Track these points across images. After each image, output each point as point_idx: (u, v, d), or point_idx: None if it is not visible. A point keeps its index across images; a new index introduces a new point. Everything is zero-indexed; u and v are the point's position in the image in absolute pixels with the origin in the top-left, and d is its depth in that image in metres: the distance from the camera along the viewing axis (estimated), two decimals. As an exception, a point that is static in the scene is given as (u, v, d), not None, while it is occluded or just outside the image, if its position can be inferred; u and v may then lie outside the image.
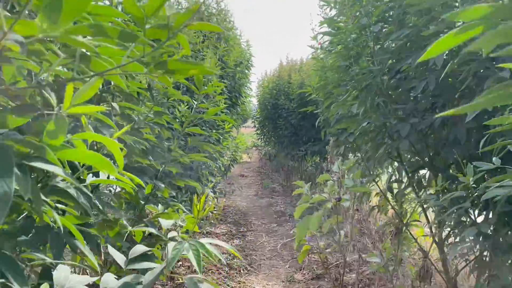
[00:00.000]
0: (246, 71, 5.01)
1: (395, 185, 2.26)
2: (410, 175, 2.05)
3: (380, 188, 2.28)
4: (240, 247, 4.22)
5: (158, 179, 1.46)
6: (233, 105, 4.69)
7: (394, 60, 1.86)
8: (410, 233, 2.26)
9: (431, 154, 1.82)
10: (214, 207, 4.65)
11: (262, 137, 8.67)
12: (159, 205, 2.76)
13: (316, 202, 1.90)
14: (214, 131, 3.77)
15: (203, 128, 3.66)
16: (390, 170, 2.60)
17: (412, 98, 1.95)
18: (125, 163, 1.11)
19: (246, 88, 5.12)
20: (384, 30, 1.91)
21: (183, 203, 3.56)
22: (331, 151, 2.69)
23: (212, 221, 5.06)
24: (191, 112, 1.40)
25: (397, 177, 2.21)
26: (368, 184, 2.03)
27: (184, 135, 1.43)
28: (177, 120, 1.45)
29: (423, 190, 2.00)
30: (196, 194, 3.95)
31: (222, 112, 4.09)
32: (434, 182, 1.63)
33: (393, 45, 1.90)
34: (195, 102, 1.38)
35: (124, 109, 1.27)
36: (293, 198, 6.77)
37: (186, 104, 1.69)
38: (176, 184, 3.48)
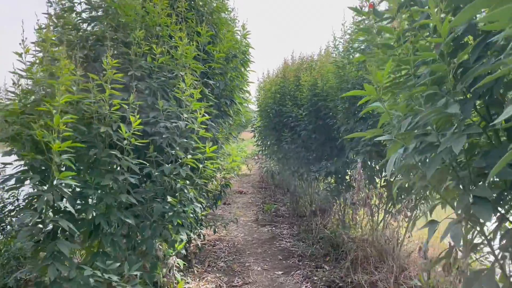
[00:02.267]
0: (242, 68, 3.70)
1: None
2: None
3: None
4: (230, 320, 2.92)
5: None
6: (223, 115, 3.37)
7: None
8: None
9: None
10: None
11: (263, 149, 7.32)
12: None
13: None
14: (189, 156, 2.47)
15: (172, 151, 2.36)
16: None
17: None
18: None
19: (242, 92, 3.79)
20: None
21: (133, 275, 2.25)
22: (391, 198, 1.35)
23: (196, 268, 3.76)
24: None
25: None
26: None
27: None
28: None
29: None
30: (157, 257, 2.63)
31: (205, 126, 2.78)
32: None
33: None
34: None
35: None
36: (301, 228, 5.44)
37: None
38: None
